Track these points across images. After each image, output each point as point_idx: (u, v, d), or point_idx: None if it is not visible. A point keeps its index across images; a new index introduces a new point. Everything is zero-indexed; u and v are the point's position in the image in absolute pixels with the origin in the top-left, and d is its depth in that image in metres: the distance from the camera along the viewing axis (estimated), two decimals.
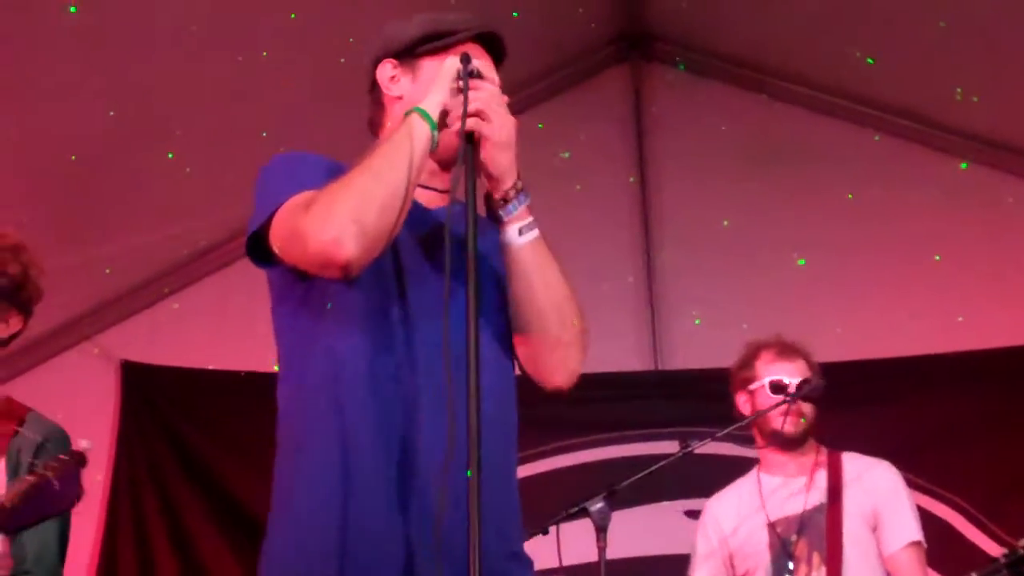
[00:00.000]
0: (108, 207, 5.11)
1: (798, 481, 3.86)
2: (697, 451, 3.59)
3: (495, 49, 2.37)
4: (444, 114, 2.16)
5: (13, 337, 3.10)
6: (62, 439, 3.00)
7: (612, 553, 3.46)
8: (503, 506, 2.17)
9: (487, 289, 2.21)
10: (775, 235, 5.81)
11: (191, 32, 4.61)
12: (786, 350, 3.93)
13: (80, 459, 2.58)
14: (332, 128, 5.39)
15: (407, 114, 2.16)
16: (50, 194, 4.87)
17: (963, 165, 5.78)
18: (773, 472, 3.94)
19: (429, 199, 2.28)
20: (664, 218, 6.01)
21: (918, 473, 4.87)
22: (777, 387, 3.86)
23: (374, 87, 2.39)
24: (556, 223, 2.39)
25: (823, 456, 3.91)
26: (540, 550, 4.96)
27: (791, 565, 3.74)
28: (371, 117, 2.41)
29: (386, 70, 2.37)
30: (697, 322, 5.80)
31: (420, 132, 2.14)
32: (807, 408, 3.87)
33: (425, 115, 2.15)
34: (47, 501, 2.55)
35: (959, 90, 5.32)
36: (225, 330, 5.69)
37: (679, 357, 5.79)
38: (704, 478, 5.30)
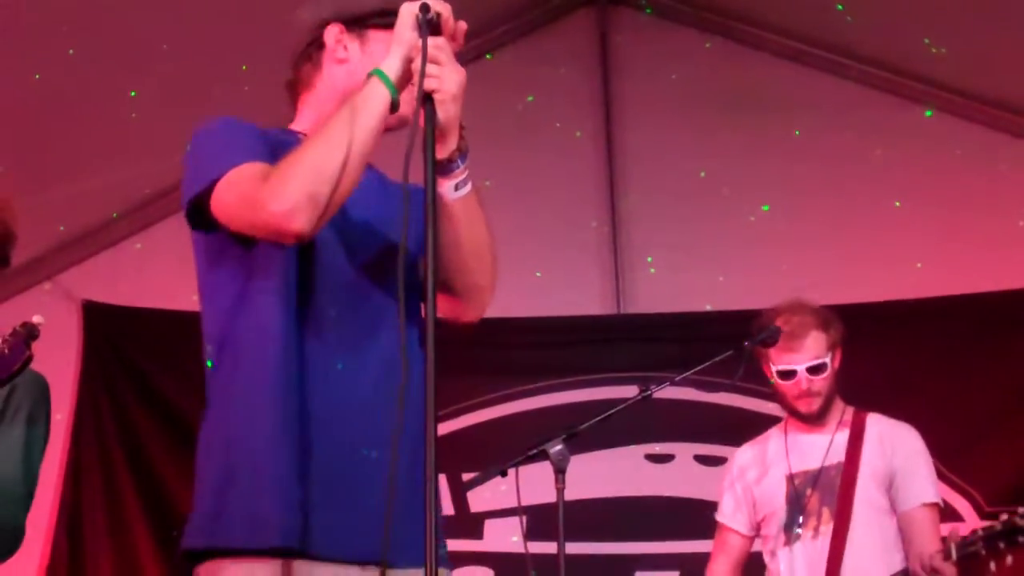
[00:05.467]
0: (70, 145, 5.06)
1: (822, 438, 3.90)
2: (659, 396, 3.58)
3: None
4: (406, 73, 2.16)
5: None
6: (35, 382, 3.03)
7: (571, 495, 3.49)
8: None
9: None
10: (740, 180, 5.84)
11: None
12: (792, 337, 3.85)
13: (31, 330, 2.54)
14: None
15: (369, 76, 2.17)
16: (10, 132, 4.82)
17: (927, 113, 5.82)
18: (798, 427, 3.98)
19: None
20: (629, 163, 5.99)
21: None
22: (786, 375, 3.89)
23: (312, 47, 2.41)
24: (520, 167, 2.40)
25: (848, 416, 3.95)
26: (500, 491, 5.06)
27: (801, 519, 3.83)
28: (297, 76, 2.44)
29: (334, 32, 2.38)
30: (651, 262, 5.83)
31: (378, 96, 2.15)
32: (821, 385, 3.88)
33: (384, 77, 2.16)
34: None
35: (927, 41, 5.33)
36: (188, 271, 5.64)
37: (642, 302, 5.81)
38: (665, 423, 5.38)
